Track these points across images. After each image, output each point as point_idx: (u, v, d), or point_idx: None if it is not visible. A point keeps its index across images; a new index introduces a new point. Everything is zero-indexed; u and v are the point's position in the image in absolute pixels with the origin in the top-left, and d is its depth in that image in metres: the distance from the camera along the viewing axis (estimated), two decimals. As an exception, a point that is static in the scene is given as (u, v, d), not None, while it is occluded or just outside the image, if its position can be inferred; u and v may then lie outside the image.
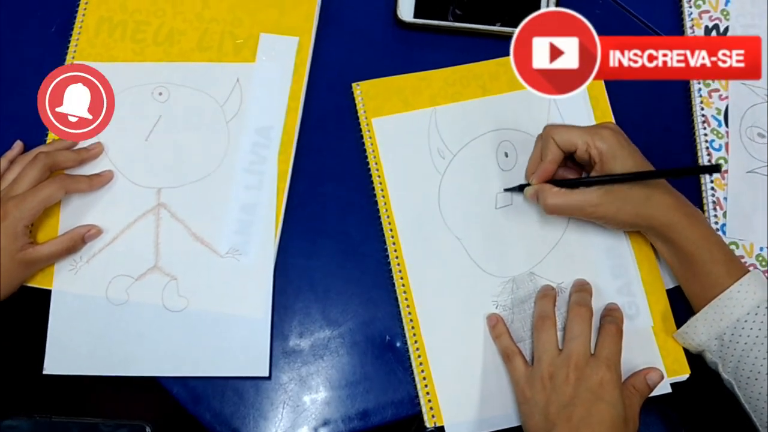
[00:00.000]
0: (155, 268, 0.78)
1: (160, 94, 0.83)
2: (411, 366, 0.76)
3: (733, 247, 0.79)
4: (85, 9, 0.86)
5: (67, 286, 0.78)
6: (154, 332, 0.76)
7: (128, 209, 0.80)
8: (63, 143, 0.81)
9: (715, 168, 0.69)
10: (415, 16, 0.86)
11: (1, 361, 0.83)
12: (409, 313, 0.77)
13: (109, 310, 0.77)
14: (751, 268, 0.73)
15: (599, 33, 0.84)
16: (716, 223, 0.80)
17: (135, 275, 0.78)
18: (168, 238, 0.79)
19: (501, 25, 0.85)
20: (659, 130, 0.83)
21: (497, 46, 0.86)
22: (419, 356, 0.76)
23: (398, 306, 0.78)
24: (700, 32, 0.85)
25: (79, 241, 0.78)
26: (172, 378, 0.77)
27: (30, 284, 0.78)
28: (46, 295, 0.78)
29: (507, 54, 0.84)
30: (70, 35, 0.86)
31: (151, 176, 0.81)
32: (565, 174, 0.79)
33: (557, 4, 0.85)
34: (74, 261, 0.78)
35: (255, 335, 0.76)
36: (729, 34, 0.85)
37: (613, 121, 0.82)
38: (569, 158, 0.78)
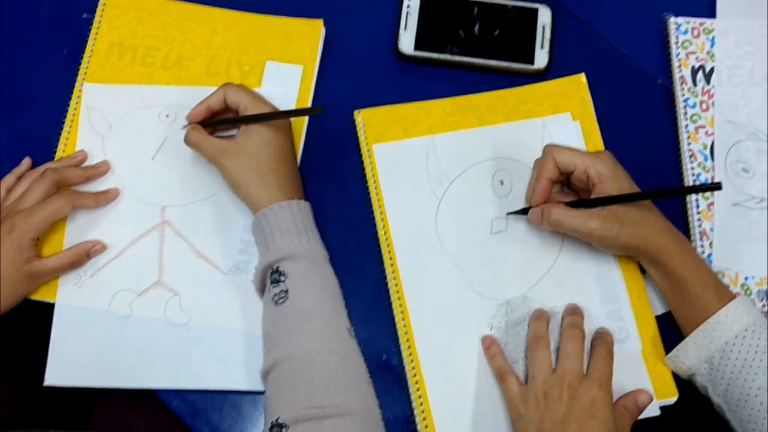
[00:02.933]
0: (158, 284, 0.80)
1: (167, 116, 0.86)
2: (407, 385, 0.78)
3: (719, 276, 0.81)
4: (96, 34, 0.89)
5: (71, 300, 0.79)
6: (155, 346, 0.78)
7: (133, 226, 0.82)
8: (71, 160, 0.83)
9: (716, 186, 0.72)
10: (416, 49, 0.89)
11: (1, 375, 0.84)
12: (406, 333, 0.79)
13: (112, 324, 0.78)
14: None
15: (591, 70, 0.89)
16: (703, 252, 0.82)
17: (138, 290, 0.80)
18: (171, 255, 0.81)
19: (497, 60, 0.89)
20: (648, 163, 0.86)
21: (494, 80, 0.89)
22: (415, 375, 0.78)
23: (395, 326, 0.80)
24: (687, 72, 0.89)
25: (83, 255, 0.79)
26: (172, 392, 0.78)
27: (34, 297, 0.79)
28: (46, 309, 0.79)
29: (502, 87, 0.88)
30: (81, 58, 0.88)
31: (156, 194, 0.83)
32: (561, 199, 0.81)
33: (551, 42, 0.89)
34: (79, 275, 0.80)
35: (255, 351, 0.77)
36: (714, 75, 0.89)
37: (605, 153, 0.86)
38: (566, 184, 0.81)
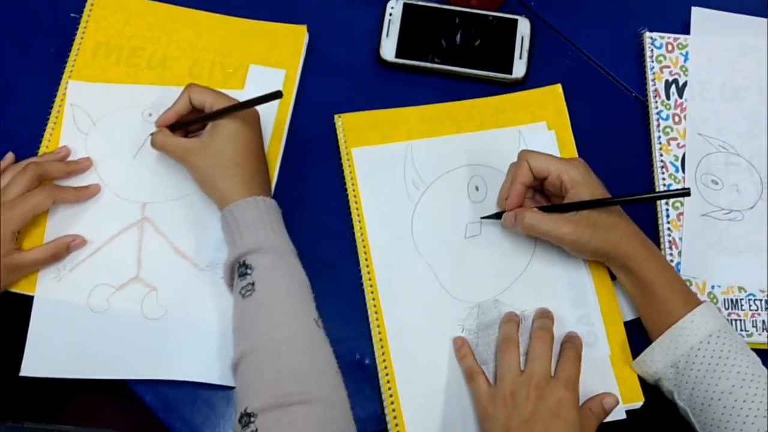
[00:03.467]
0: (136, 279, 0.81)
1: (150, 115, 0.87)
2: (378, 384, 0.79)
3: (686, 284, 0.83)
4: (83, 33, 0.90)
5: (50, 293, 0.80)
6: (132, 339, 0.79)
7: (113, 222, 0.83)
8: (54, 156, 0.84)
9: (685, 192, 0.74)
10: (397, 56, 0.91)
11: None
12: (379, 333, 0.80)
13: (89, 317, 0.79)
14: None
15: (568, 81, 0.91)
16: (672, 261, 0.84)
17: (116, 285, 0.81)
18: (150, 251, 0.82)
19: (477, 69, 0.91)
20: (621, 173, 0.88)
21: (473, 88, 0.91)
22: (387, 374, 0.79)
23: (369, 326, 0.81)
24: (660, 86, 0.91)
25: (63, 249, 0.81)
26: (146, 387, 0.79)
27: (13, 290, 0.80)
28: (23, 303, 0.80)
29: (481, 95, 0.90)
30: (68, 57, 0.90)
31: (137, 191, 0.85)
32: (534, 205, 0.83)
33: (530, 53, 0.91)
34: (58, 269, 0.81)
35: (229, 345, 0.77)
36: (687, 89, 0.91)
37: (578, 162, 0.88)
38: (539, 191, 0.83)
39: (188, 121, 0.82)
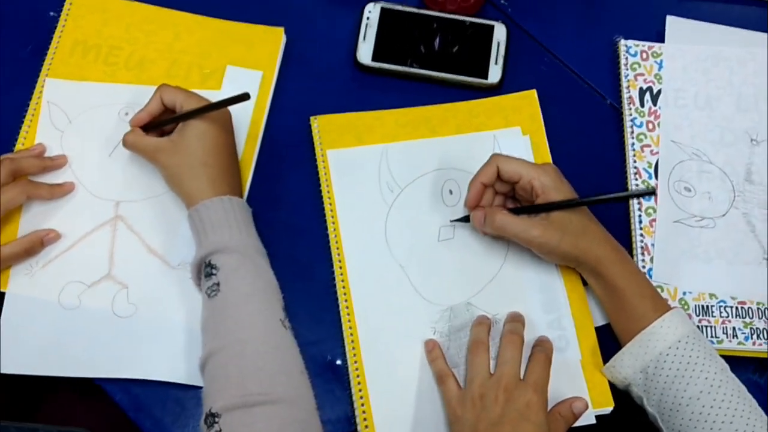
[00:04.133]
0: (108, 277, 0.81)
1: (126, 114, 0.87)
2: (349, 385, 0.79)
3: (658, 290, 0.84)
4: (61, 32, 0.91)
5: (22, 290, 0.80)
6: (102, 337, 0.79)
7: (86, 219, 0.83)
8: (29, 152, 0.84)
9: (650, 192, 0.74)
10: (373, 59, 0.92)
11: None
12: (351, 335, 0.81)
13: (61, 314, 0.79)
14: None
15: (543, 89, 0.92)
16: (644, 267, 0.85)
17: (88, 282, 0.81)
18: (122, 249, 0.82)
19: (452, 74, 0.91)
20: (595, 178, 0.88)
21: (448, 93, 0.92)
22: (358, 376, 0.79)
23: (341, 328, 0.81)
24: (635, 93, 0.92)
25: (38, 243, 0.81)
26: (116, 384, 0.78)
27: (-15, 286, 0.80)
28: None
29: (456, 100, 0.91)
30: (46, 55, 0.90)
31: (111, 190, 0.85)
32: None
33: (506, 58, 0.92)
34: (30, 266, 0.81)
35: (198, 345, 0.77)
36: (661, 97, 0.92)
37: (552, 166, 0.88)
38: (510, 197, 0.84)
39: (161, 122, 0.83)
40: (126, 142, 0.82)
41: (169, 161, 0.80)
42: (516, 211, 0.81)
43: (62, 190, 0.83)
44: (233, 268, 0.75)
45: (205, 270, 0.76)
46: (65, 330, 0.79)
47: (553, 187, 0.79)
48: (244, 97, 0.78)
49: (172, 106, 0.82)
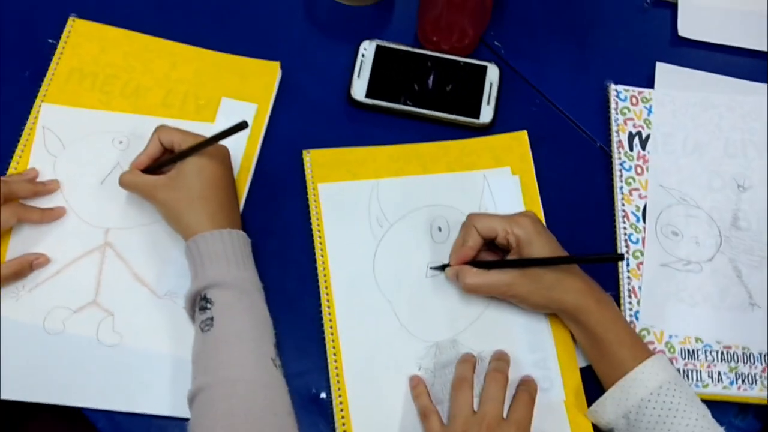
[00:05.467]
0: (93, 303, 0.81)
1: (120, 142, 0.88)
2: (333, 419, 0.79)
3: (644, 333, 0.84)
4: (59, 59, 0.91)
5: (8, 313, 0.80)
6: (85, 364, 0.78)
7: (75, 245, 0.83)
8: (22, 176, 0.84)
9: (619, 257, 0.75)
10: (367, 96, 0.93)
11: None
12: (336, 368, 0.80)
13: (45, 340, 0.79)
14: (656, 352, 0.79)
15: (534, 130, 0.93)
16: (631, 309, 0.85)
17: (74, 308, 0.80)
18: (110, 276, 0.82)
19: (445, 113, 0.92)
20: (584, 221, 0.89)
21: (440, 131, 0.93)
22: (342, 410, 0.79)
23: (327, 361, 0.81)
24: (624, 137, 0.93)
25: (27, 267, 0.80)
26: (99, 412, 0.78)
27: (-29, 308, 0.80)
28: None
29: (448, 138, 0.92)
30: (43, 80, 0.90)
31: (102, 217, 0.85)
32: (486, 257, 0.84)
33: (498, 99, 0.93)
34: (17, 289, 0.81)
35: (183, 377, 0.77)
36: (650, 141, 0.93)
37: (541, 207, 0.89)
38: (491, 244, 0.84)
39: (160, 163, 0.83)
40: (123, 182, 0.82)
41: (167, 197, 0.80)
42: (485, 265, 0.81)
43: (53, 215, 0.83)
44: (228, 304, 0.75)
45: (199, 303, 0.76)
46: (49, 355, 0.78)
47: (527, 240, 0.79)
48: (242, 126, 0.78)
49: (169, 145, 0.82)
